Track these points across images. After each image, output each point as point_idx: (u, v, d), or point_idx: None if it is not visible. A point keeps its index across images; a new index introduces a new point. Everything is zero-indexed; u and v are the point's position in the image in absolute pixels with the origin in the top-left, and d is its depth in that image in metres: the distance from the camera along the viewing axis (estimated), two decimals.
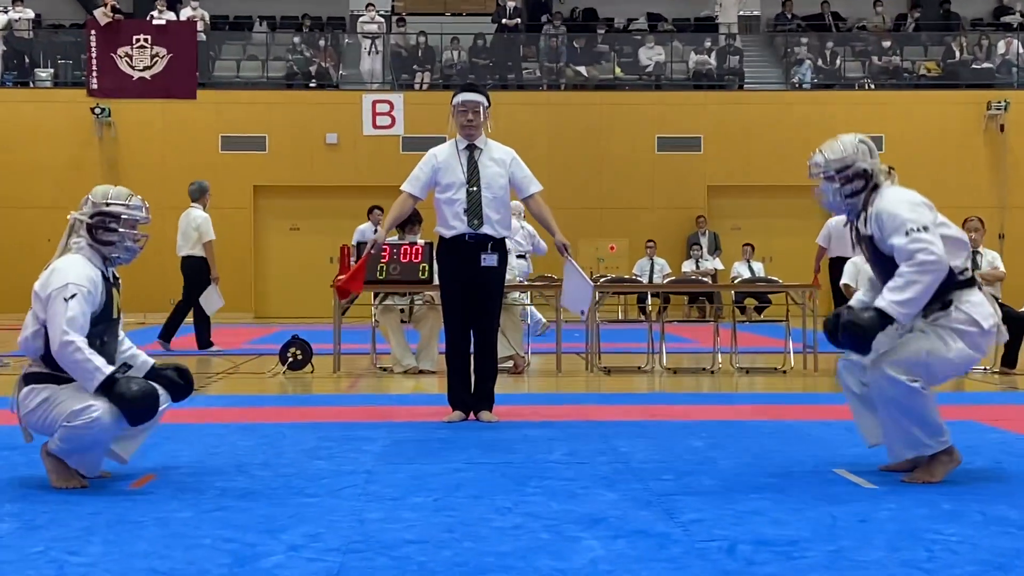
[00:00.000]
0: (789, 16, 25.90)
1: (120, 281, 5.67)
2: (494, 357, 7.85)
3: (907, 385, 5.36)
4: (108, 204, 5.47)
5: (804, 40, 24.71)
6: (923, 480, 5.45)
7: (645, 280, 18.43)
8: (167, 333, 13.71)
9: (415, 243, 10.89)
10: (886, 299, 5.35)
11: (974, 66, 24.30)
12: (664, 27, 26.06)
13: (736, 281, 15.71)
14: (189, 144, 22.56)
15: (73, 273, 5.33)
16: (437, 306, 11.34)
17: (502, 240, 7.74)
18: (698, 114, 23.34)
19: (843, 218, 5.91)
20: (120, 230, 5.47)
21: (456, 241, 7.66)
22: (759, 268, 20.34)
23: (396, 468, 5.88)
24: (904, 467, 5.61)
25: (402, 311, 11.48)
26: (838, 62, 24.43)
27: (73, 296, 5.24)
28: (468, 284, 7.66)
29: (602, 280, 12.91)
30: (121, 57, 17.98)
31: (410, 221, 11.52)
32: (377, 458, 6.19)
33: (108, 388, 5.19)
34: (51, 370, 5.32)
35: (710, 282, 17.44)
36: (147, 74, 18.05)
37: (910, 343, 5.42)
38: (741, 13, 25.99)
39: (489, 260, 7.64)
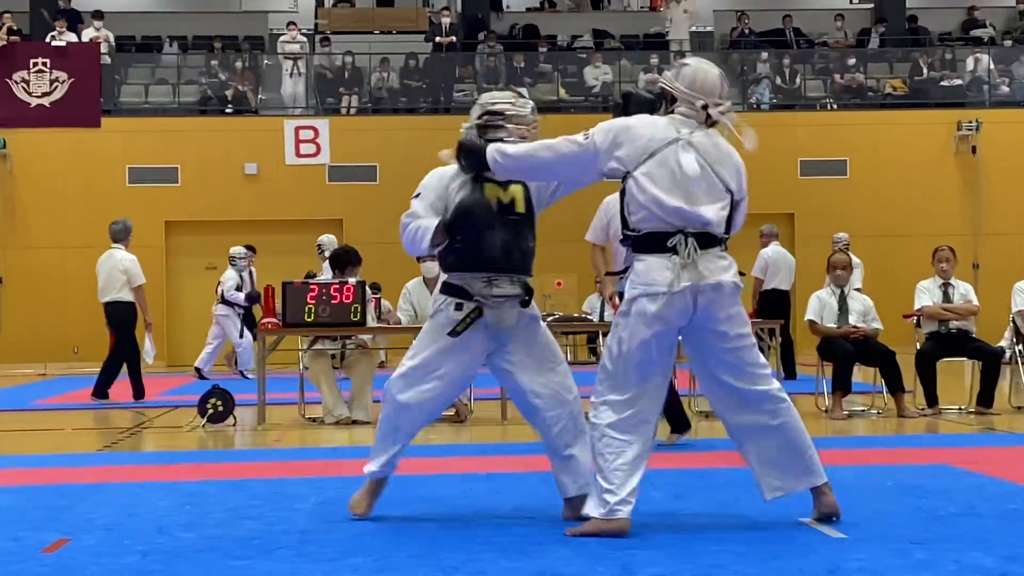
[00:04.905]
0: (746, 32, 26.30)
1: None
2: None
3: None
4: (494, 103, 6.39)
5: (763, 57, 25.10)
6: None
7: (595, 318, 18.55)
8: (102, 388, 13.59)
9: (346, 283, 10.96)
10: (501, 146, 5.93)
11: (943, 83, 24.81)
12: (611, 44, 26.40)
13: None
14: (93, 177, 22.47)
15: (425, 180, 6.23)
16: (370, 351, 11.41)
17: None
18: None
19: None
20: (507, 126, 6.28)
21: None
22: None
23: (332, 526, 5.95)
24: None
25: (333, 356, 11.55)
26: (798, 80, 24.86)
27: (416, 195, 6.18)
28: None
29: (549, 319, 13.06)
30: (17, 83, 17.91)
31: (349, 262, 11.55)
32: (310, 516, 6.26)
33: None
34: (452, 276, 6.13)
35: None
36: (46, 101, 17.99)
37: None
38: (693, 29, 26.37)
39: None
